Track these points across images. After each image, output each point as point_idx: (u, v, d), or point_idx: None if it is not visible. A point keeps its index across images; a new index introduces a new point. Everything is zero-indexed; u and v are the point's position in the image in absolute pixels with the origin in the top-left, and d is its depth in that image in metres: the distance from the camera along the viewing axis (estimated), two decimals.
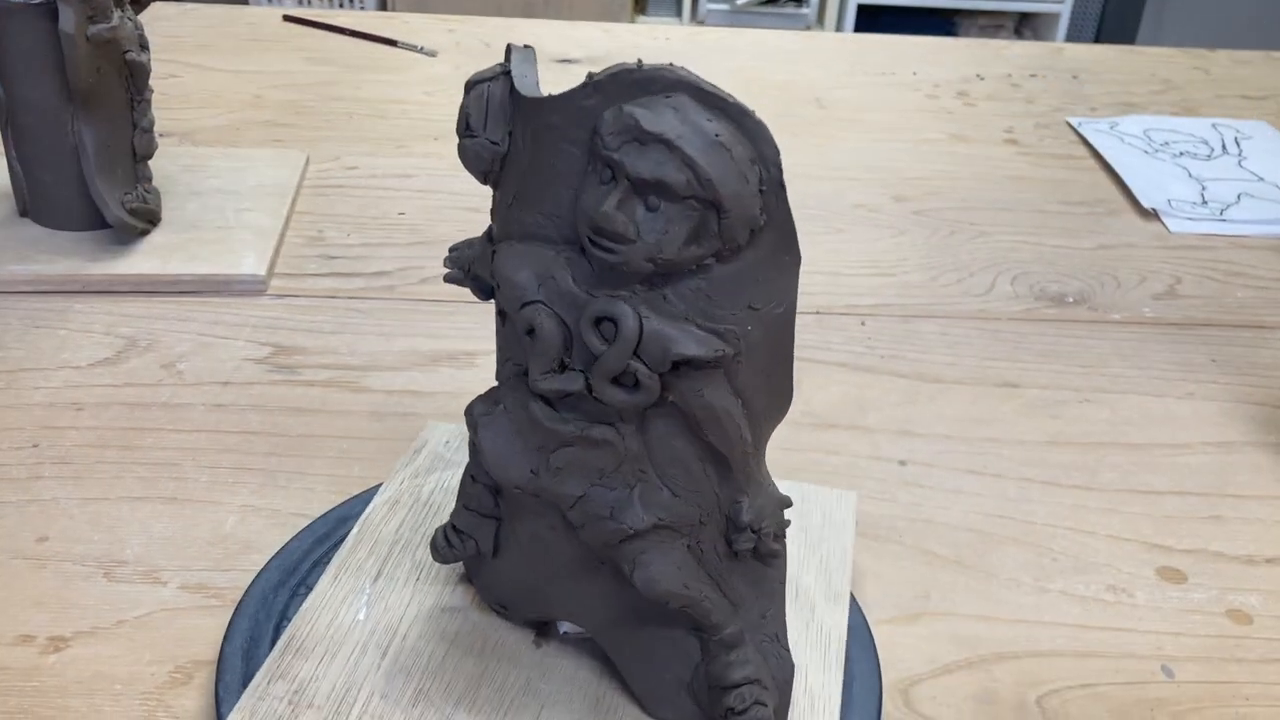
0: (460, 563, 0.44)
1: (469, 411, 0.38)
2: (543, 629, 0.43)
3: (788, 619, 0.41)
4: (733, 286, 0.33)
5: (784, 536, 0.39)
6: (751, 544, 0.37)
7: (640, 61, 0.32)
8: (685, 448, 0.35)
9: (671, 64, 0.32)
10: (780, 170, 0.33)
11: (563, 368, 0.34)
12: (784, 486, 0.41)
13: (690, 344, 0.33)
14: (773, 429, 0.38)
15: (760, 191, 0.32)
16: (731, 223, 0.32)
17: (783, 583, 0.40)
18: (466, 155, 0.36)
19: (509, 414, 0.36)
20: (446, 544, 0.42)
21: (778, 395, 0.37)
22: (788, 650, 0.40)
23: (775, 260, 0.34)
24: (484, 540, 0.41)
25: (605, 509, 0.36)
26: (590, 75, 0.32)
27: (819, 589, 0.46)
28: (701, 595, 0.37)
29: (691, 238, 0.32)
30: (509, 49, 0.36)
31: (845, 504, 0.50)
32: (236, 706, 0.40)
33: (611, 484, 0.36)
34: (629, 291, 0.33)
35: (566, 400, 0.35)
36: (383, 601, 0.44)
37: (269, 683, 0.41)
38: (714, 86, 0.32)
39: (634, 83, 0.32)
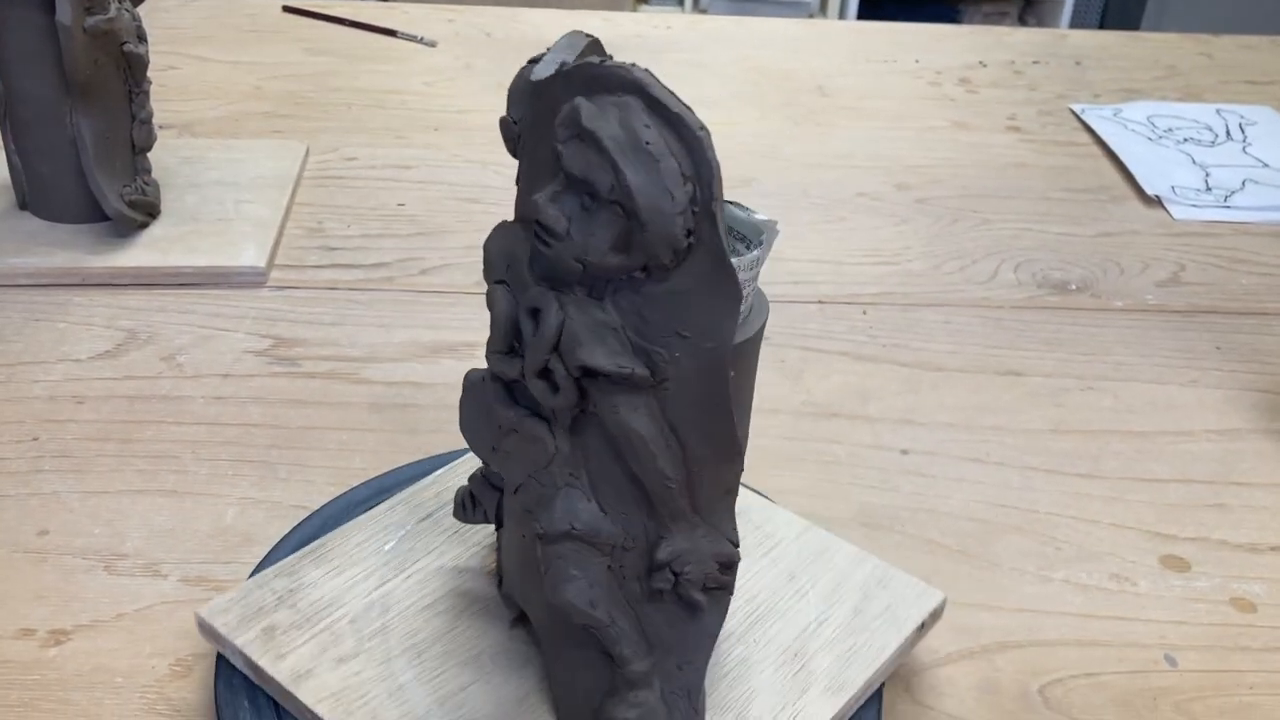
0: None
1: (466, 376, 0.38)
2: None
3: (781, 686, 0.40)
4: (663, 308, 0.32)
5: (720, 591, 0.36)
6: (667, 584, 0.35)
7: (607, 56, 0.32)
8: (615, 466, 0.34)
9: (634, 65, 0.31)
10: (712, 193, 0.31)
11: (512, 351, 0.34)
12: (871, 566, 0.44)
13: (597, 353, 0.32)
14: (721, 482, 0.35)
15: (692, 211, 0.31)
16: (649, 237, 0.30)
17: (713, 638, 0.37)
18: (500, 129, 0.36)
19: (489, 387, 0.36)
20: (463, 506, 0.42)
21: (719, 443, 0.34)
22: (698, 713, 0.38)
23: (710, 290, 0.32)
24: (490, 509, 0.41)
25: (532, 503, 0.35)
26: (563, 64, 0.32)
27: (823, 673, 0.41)
28: (610, 620, 0.36)
29: (617, 245, 0.31)
30: (570, 36, 0.35)
31: (922, 601, 0.44)
32: (241, 585, 0.43)
33: (542, 480, 0.35)
34: (572, 291, 0.32)
35: (519, 385, 0.34)
36: (414, 540, 0.45)
37: (275, 576, 0.43)
38: (668, 94, 0.31)
39: (592, 77, 0.31)
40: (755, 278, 0.39)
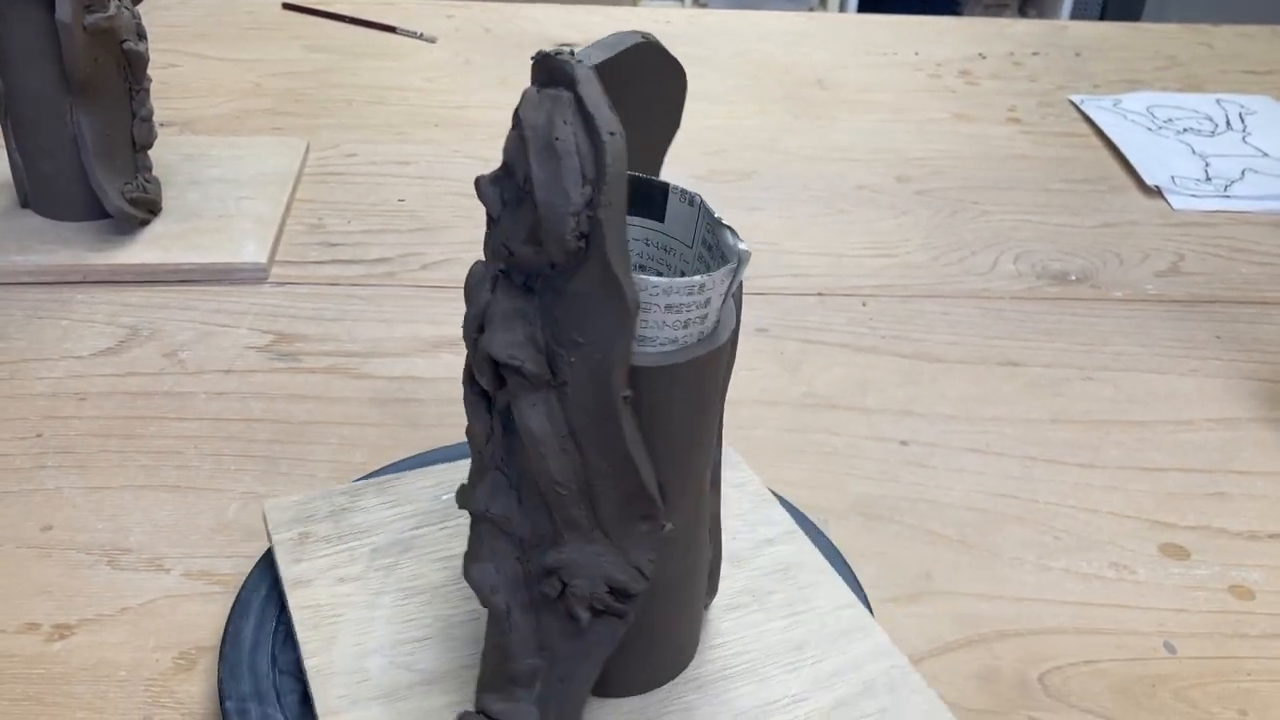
0: None
1: None
2: None
3: None
4: (567, 308, 0.32)
5: (611, 616, 0.35)
6: (553, 591, 0.35)
7: (570, 50, 0.31)
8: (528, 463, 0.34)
9: (582, 61, 0.31)
10: (608, 207, 0.30)
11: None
12: (889, 664, 0.40)
13: (496, 339, 0.32)
14: (631, 506, 0.34)
15: (587, 216, 0.30)
16: (544, 234, 0.30)
17: (595, 661, 0.36)
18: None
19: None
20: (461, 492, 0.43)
21: (614, 459, 0.33)
22: None
23: (601, 299, 0.31)
24: None
25: (470, 475, 0.36)
26: (538, 52, 0.32)
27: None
28: (505, 611, 0.35)
29: (530, 237, 0.31)
30: (618, 35, 0.35)
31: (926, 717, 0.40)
32: (310, 492, 0.47)
33: (482, 457, 0.35)
34: (513, 277, 0.33)
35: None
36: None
37: (340, 493, 0.47)
38: (596, 93, 0.30)
39: (547, 69, 0.31)
40: (705, 302, 0.34)
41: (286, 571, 0.44)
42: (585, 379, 0.32)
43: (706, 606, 0.43)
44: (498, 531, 0.35)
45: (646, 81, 0.36)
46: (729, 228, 0.34)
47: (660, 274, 0.37)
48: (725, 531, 0.45)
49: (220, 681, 0.41)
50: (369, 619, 0.42)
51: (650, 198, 0.36)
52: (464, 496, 0.37)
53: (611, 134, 0.30)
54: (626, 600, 0.35)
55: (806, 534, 0.48)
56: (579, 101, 0.30)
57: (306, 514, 0.46)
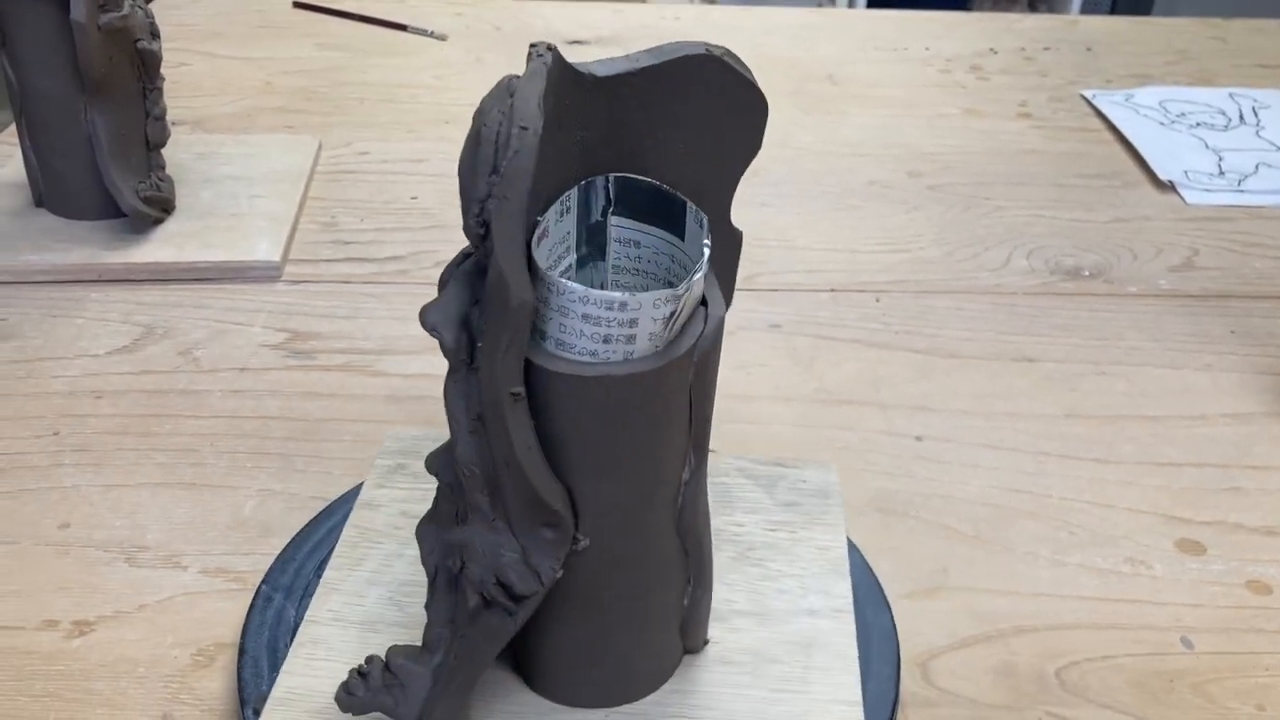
0: None
1: None
2: None
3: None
4: (484, 295, 0.32)
5: (499, 609, 0.36)
6: (454, 569, 0.35)
7: (548, 46, 0.31)
8: None
9: (547, 60, 0.31)
10: (501, 200, 0.30)
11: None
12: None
13: (428, 310, 0.33)
14: (533, 509, 0.34)
15: (482, 206, 0.30)
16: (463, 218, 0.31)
17: (479, 651, 0.36)
18: None
19: None
20: None
21: (508, 459, 0.33)
22: (435, 703, 0.37)
23: (494, 292, 0.31)
24: None
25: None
26: (532, 46, 0.32)
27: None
28: (433, 577, 0.36)
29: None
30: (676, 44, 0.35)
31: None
32: (412, 435, 0.50)
33: (458, 420, 0.35)
34: (479, 259, 0.33)
35: None
36: None
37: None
38: (532, 85, 0.30)
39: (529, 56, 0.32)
40: (631, 323, 0.32)
41: (365, 493, 0.47)
42: (486, 367, 0.32)
43: (690, 651, 0.41)
44: (447, 497, 0.36)
45: (711, 97, 0.35)
46: (705, 252, 0.33)
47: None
48: (774, 586, 0.44)
49: (239, 678, 0.41)
50: (398, 554, 0.45)
51: (672, 213, 0.35)
52: (430, 458, 0.37)
53: (523, 128, 0.29)
54: (512, 599, 0.35)
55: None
56: (518, 92, 0.30)
57: (415, 449, 0.49)
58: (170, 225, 0.71)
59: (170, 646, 0.45)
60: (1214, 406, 0.60)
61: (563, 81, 0.32)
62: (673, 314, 0.32)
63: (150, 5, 0.69)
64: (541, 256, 0.33)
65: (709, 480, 0.47)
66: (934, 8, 1.29)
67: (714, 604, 0.42)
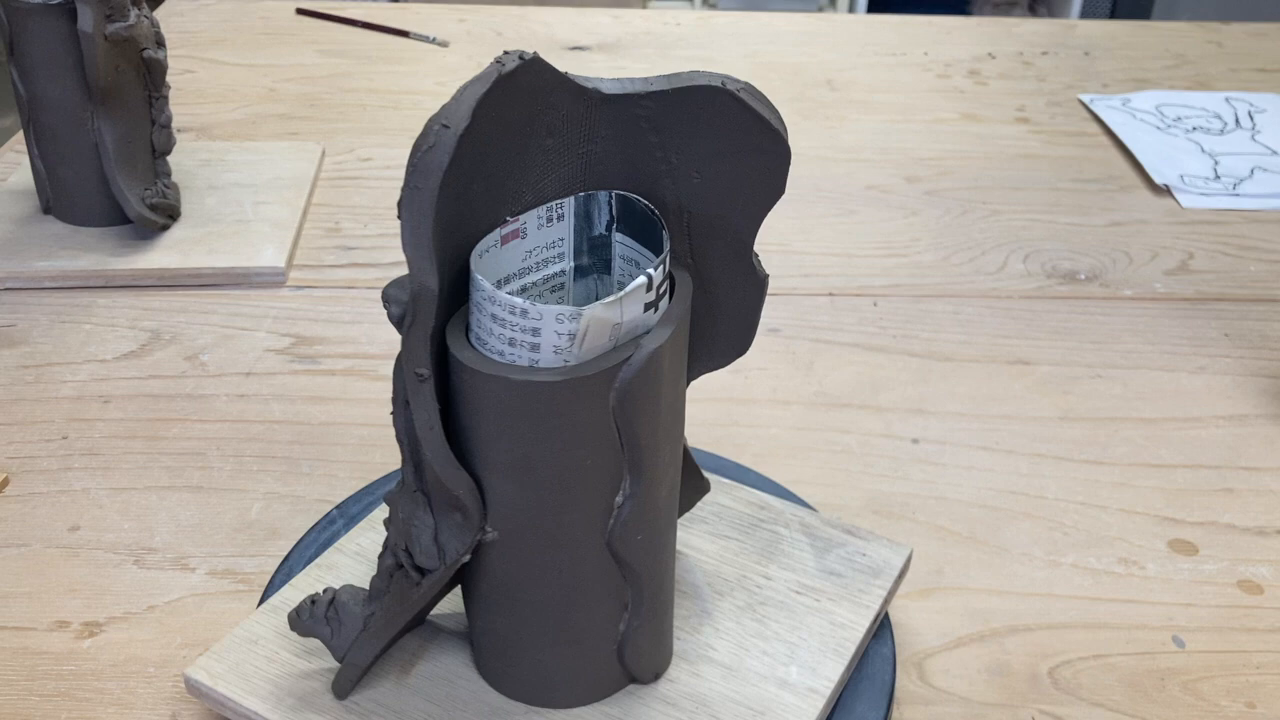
0: None
1: None
2: None
3: None
4: None
5: (403, 575, 0.37)
6: (386, 528, 0.38)
7: (520, 55, 0.32)
8: None
9: (504, 66, 0.32)
10: (412, 190, 0.31)
11: None
12: None
13: (394, 283, 0.34)
14: (444, 501, 0.36)
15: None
16: None
17: (389, 612, 0.38)
18: None
19: None
20: None
21: (425, 460, 0.35)
22: (343, 650, 0.39)
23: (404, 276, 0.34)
24: None
25: None
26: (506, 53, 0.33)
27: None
28: (392, 542, 0.38)
29: None
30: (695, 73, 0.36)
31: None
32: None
33: None
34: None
35: None
36: None
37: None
38: (469, 94, 0.31)
39: None
40: (534, 331, 0.33)
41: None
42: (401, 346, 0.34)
43: (638, 680, 0.41)
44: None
45: (727, 133, 0.35)
46: (645, 278, 0.33)
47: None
48: (762, 646, 0.42)
49: None
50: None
51: (653, 231, 0.36)
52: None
53: (445, 126, 0.31)
54: (416, 570, 0.37)
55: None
56: (461, 91, 0.32)
57: None
58: (176, 231, 0.72)
59: (179, 647, 0.45)
60: (1208, 409, 0.61)
61: (544, 90, 0.33)
62: (579, 333, 0.32)
63: (155, 14, 0.70)
64: (507, 257, 0.35)
65: (769, 525, 0.47)
66: (934, 13, 1.29)
67: (692, 646, 0.42)
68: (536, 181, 0.35)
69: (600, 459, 0.35)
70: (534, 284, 0.37)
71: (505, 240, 0.35)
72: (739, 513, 0.48)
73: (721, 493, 0.49)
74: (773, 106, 0.35)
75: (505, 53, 0.32)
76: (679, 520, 0.46)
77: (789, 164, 0.36)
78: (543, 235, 0.36)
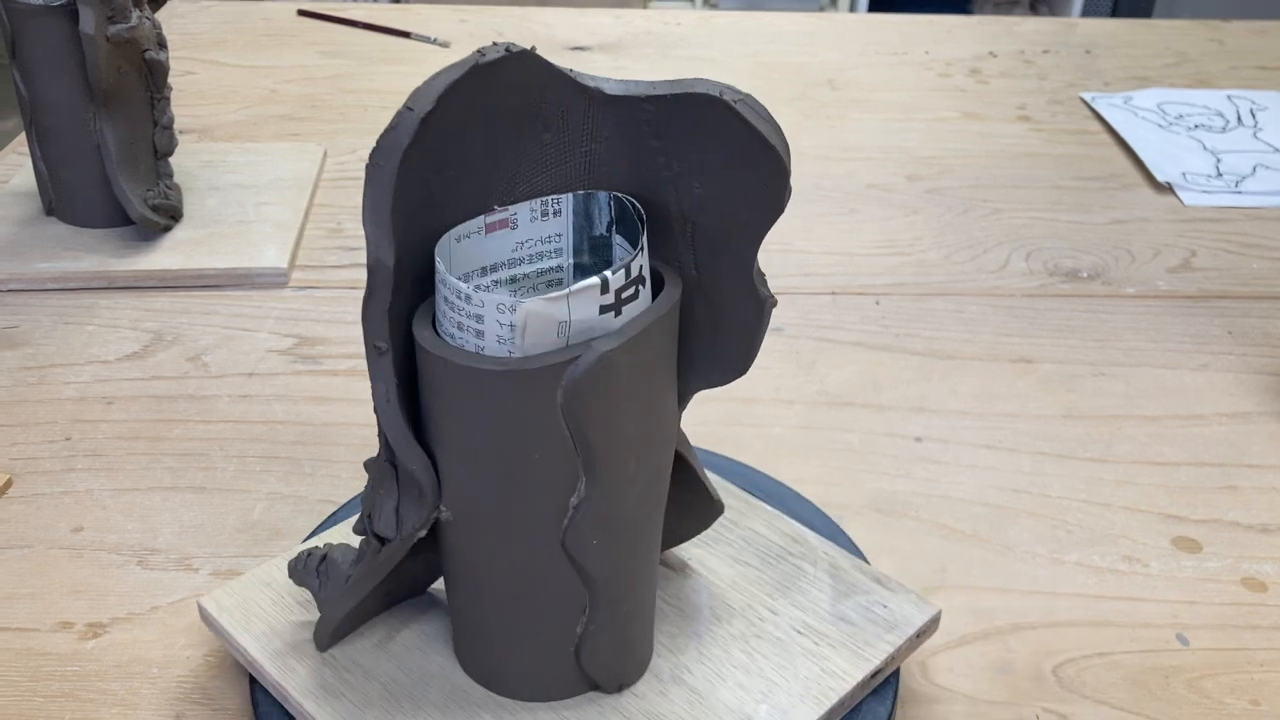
0: None
1: None
2: None
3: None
4: None
5: (365, 541, 0.39)
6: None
7: (507, 47, 0.33)
8: None
9: (484, 56, 0.32)
10: (373, 166, 0.33)
11: None
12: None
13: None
14: (407, 474, 0.37)
15: None
16: None
17: (360, 582, 0.40)
18: None
19: None
20: None
21: (403, 462, 0.36)
22: (317, 596, 0.41)
23: None
24: None
25: None
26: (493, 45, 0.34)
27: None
28: (368, 506, 0.39)
29: None
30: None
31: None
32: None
33: None
34: None
35: None
36: None
37: None
38: (437, 79, 0.32)
39: None
40: (478, 319, 0.33)
41: None
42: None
43: (600, 687, 0.40)
44: None
45: (724, 145, 0.34)
46: (598, 281, 0.33)
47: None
48: (740, 679, 0.41)
49: (251, 679, 0.42)
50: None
51: (636, 230, 0.36)
52: None
53: (409, 109, 0.32)
54: (379, 539, 0.39)
55: (821, 530, 0.49)
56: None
57: None
58: (178, 233, 0.72)
59: (182, 647, 0.45)
60: (1210, 406, 0.61)
61: (538, 85, 0.33)
62: (515, 325, 0.32)
63: (157, 15, 0.70)
64: (494, 245, 0.35)
65: (795, 560, 0.45)
66: (936, 11, 1.29)
67: (670, 666, 0.41)
68: (532, 175, 0.35)
69: (551, 457, 0.35)
70: (526, 276, 0.37)
71: (491, 229, 0.35)
72: (769, 542, 0.46)
73: (758, 518, 0.47)
74: (773, 121, 0.34)
75: (494, 44, 0.33)
76: (698, 538, 0.46)
77: (787, 182, 0.35)
78: (537, 229, 0.36)
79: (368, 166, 0.32)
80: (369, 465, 0.38)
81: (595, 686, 0.40)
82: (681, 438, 0.41)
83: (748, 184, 0.35)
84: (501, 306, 0.32)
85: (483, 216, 0.35)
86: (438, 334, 0.34)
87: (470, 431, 0.35)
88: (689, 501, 0.43)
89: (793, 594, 0.44)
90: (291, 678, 0.40)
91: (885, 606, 0.43)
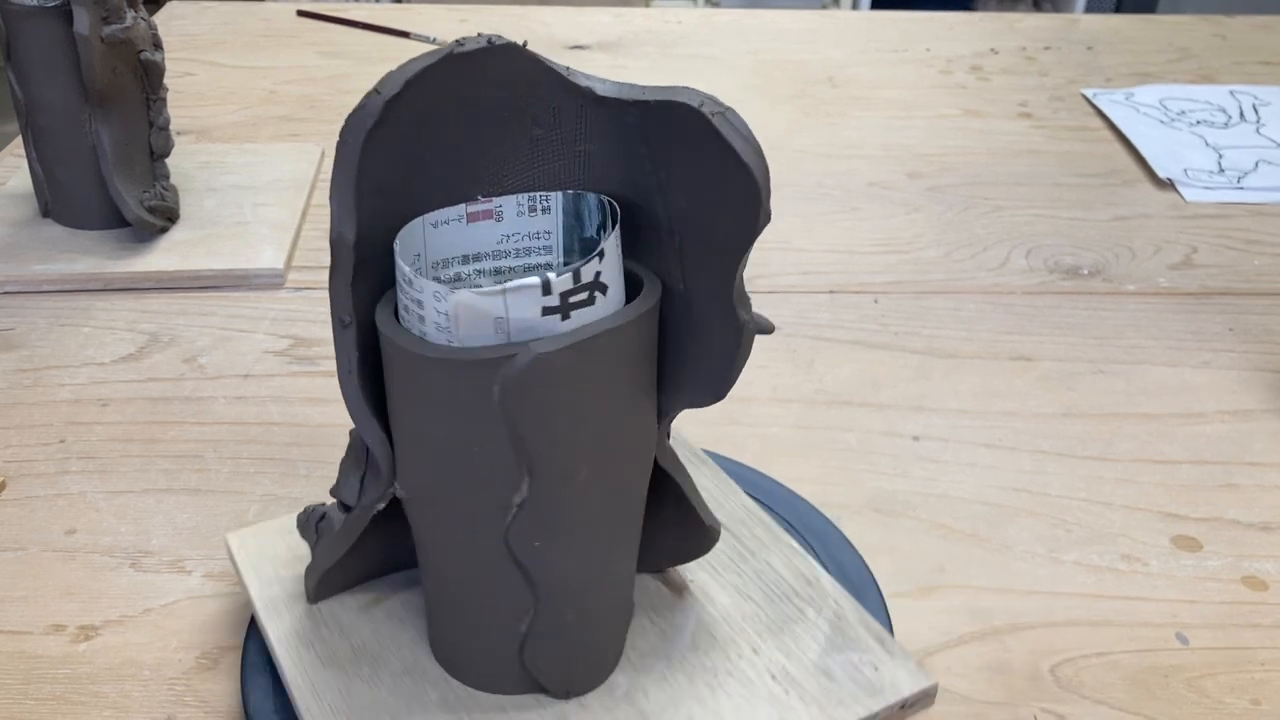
0: None
1: None
2: None
3: None
4: None
5: (335, 512, 0.42)
6: None
7: (489, 39, 0.33)
8: None
9: (463, 46, 0.33)
10: (339, 145, 0.33)
11: None
12: None
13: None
14: (371, 472, 0.38)
15: None
16: None
17: (339, 539, 0.41)
18: None
19: None
20: None
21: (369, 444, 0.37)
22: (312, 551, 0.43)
23: None
24: None
25: None
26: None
27: None
28: (340, 472, 0.41)
29: None
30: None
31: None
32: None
33: None
34: None
35: None
36: None
37: None
38: (403, 69, 0.32)
39: None
40: (419, 304, 0.33)
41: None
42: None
43: (549, 691, 0.40)
44: None
45: (702, 158, 0.33)
46: (539, 281, 0.32)
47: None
48: (686, 711, 0.40)
49: (243, 680, 0.42)
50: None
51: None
52: None
53: (377, 92, 0.32)
54: (344, 507, 0.41)
55: (819, 530, 0.49)
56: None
57: None
58: (175, 234, 0.72)
59: (175, 650, 0.45)
60: (1212, 404, 0.61)
61: (524, 79, 0.33)
62: (449, 315, 0.33)
63: (154, 16, 0.70)
64: (476, 235, 0.35)
65: (799, 602, 0.43)
66: (938, 8, 1.29)
67: (628, 684, 0.41)
68: (524, 170, 0.35)
69: (490, 450, 0.34)
70: (512, 269, 0.36)
71: (474, 218, 0.35)
72: (779, 578, 0.45)
73: (777, 554, 0.46)
74: (752, 140, 0.33)
75: (478, 35, 0.33)
76: (705, 563, 0.45)
77: (760, 203, 0.33)
78: (524, 223, 0.36)
79: (337, 144, 0.33)
80: (351, 433, 0.40)
81: (542, 688, 0.40)
82: (671, 456, 0.40)
83: (724, 202, 0.34)
84: (438, 294, 0.32)
85: (464, 205, 0.35)
86: (397, 314, 0.35)
87: (417, 414, 0.35)
88: (679, 522, 0.42)
89: (782, 637, 0.42)
90: (274, 623, 0.43)
91: (875, 669, 0.41)
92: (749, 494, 0.50)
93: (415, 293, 0.33)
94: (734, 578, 0.45)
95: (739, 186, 0.33)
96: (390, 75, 0.32)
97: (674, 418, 0.39)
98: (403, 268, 0.33)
